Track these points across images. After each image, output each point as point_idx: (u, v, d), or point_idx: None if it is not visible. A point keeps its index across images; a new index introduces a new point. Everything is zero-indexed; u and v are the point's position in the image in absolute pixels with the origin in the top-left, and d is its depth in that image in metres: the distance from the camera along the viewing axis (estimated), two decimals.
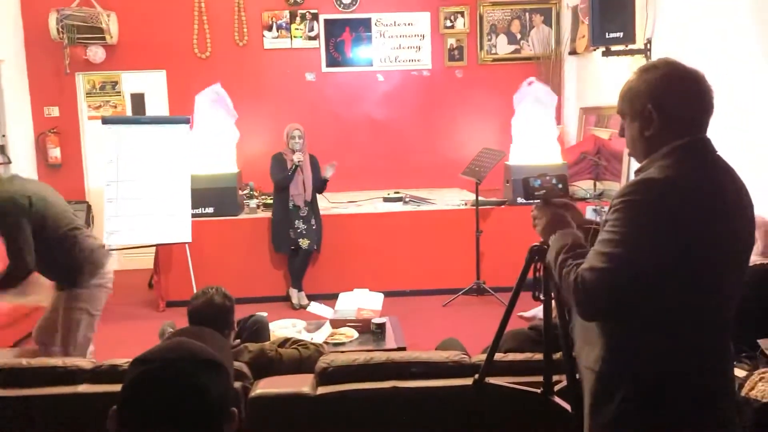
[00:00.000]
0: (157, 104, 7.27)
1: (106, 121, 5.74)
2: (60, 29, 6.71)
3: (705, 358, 1.58)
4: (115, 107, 7.26)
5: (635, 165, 4.56)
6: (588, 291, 1.50)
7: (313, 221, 5.79)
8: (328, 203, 6.27)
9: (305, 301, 5.66)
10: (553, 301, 2.11)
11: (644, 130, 1.60)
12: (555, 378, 2.20)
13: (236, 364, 2.55)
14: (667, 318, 1.53)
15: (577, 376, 1.81)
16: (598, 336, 1.59)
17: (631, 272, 1.49)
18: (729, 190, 1.56)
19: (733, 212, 1.56)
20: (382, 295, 4.30)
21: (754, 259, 3.35)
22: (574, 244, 1.64)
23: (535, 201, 2.12)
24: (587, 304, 1.53)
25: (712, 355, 1.59)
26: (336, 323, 3.96)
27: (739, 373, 2.87)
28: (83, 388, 2.47)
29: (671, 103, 1.57)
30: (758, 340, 2.84)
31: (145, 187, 5.57)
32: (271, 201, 6.02)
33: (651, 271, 1.49)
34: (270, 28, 7.24)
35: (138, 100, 7.29)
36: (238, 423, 1.06)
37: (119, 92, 7.26)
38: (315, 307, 4.38)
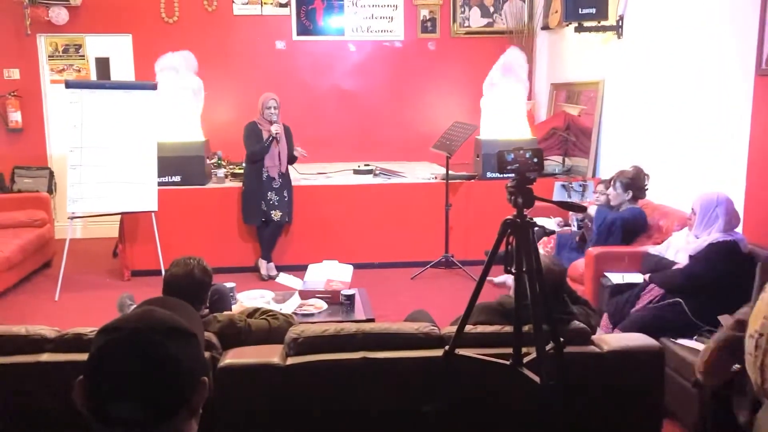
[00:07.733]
0: (123, 69, 7.08)
1: (69, 85, 5.56)
2: None
3: None
4: (79, 71, 7.06)
5: (604, 141, 4.57)
6: None
7: (285, 193, 5.73)
8: (297, 174, 6.21)
9: (274, 272, 5.62)
10: (525, 275, 2.12)
11: None
12: (524, 350, 2.22)
13: (205, 334, 2.52)
14: None
15: (547, 347, 1.82)
16: None
17: None
18: None
19: None
20: (351, 267, 4.29)
21: (716, 236, 3.42)
22: None
23: (508, 175, 2.10)
24: None
25: None
26: (305, 294, 3.94)
27: (700, 347, 2.95)
28: (46, 357, 2.42)
29: None
30: (718, 317, 2.90)
31: (110, 154, 5.44)
32: (240, 171, 5.93)
33: None
34: None
35: (103, 64, 7.10)
36: (209, 393, 1.03)
37: (83, 56, 7.05)
38: (284, 278, 4.35)
